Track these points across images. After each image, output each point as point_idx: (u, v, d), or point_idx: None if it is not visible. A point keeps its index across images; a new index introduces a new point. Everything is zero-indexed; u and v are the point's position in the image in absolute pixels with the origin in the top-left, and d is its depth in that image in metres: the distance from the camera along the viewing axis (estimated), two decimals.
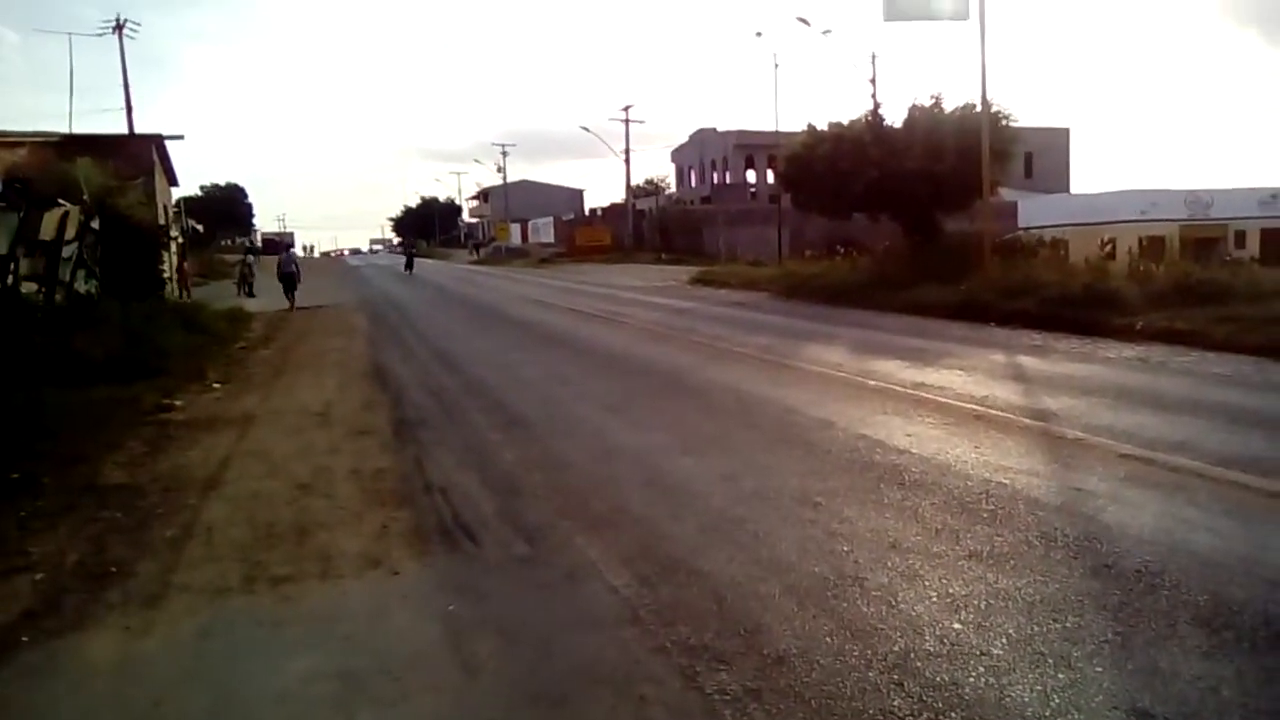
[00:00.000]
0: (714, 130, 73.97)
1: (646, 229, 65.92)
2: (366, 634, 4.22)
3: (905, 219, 25.27)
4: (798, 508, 5.70)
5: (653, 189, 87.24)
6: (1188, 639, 3.78)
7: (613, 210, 77.59)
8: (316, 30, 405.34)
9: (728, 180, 71.50)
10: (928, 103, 24.09)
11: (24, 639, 4.27)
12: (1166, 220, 34.07)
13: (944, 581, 4.46)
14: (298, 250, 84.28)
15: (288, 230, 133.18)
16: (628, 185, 67.24)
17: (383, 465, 7.23)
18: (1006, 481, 6.10)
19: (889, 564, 4.71)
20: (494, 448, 7.72)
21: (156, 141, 25.27)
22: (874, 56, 31.13)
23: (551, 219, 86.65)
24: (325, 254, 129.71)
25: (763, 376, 10.96)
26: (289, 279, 25.85)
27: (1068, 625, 3.94)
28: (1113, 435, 7.34)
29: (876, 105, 26.26)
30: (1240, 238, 35.83)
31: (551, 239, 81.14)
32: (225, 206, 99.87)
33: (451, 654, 3.97)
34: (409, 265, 49.16)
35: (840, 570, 4.65)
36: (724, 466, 6.76)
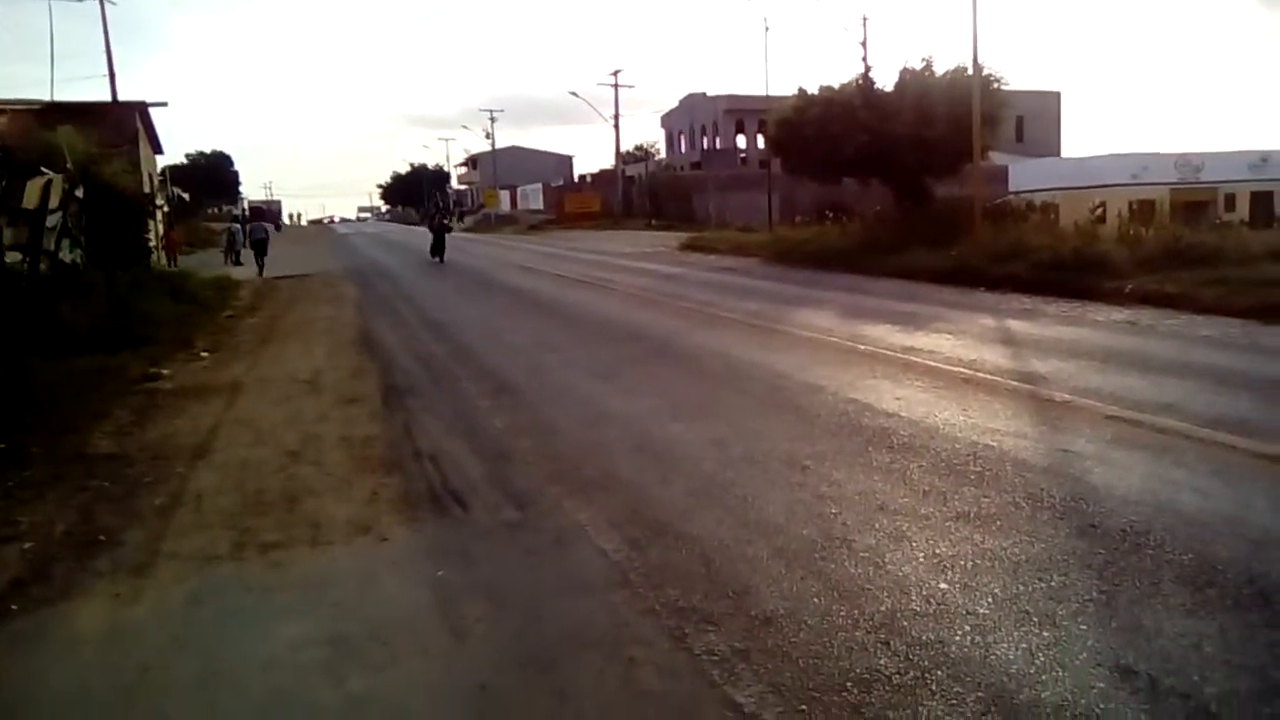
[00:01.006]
0: (704, 95, 73.36)
1: (636, 195, 65.59)
2: (356, 600, 4.23)
3: (896, 183, 25.19)
4: (786, 471, 5.72)
5: (642, 155, 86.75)
6: (1171, 597, 3.82)
7: (602, 177, 77.11)
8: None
9: (718, 145, 71.03)
10: (918, 66, 23.94)
11: (13, 607, 4.27)
12: (1157, 184, 33.96)
13: (931, 542, 4.48)
14: (285, 219, 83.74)
15: (275, 198, 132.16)
16: (617, 151, 66.86)
17: (372, 432, 7.22)
18: (994, 444, 6.13)
19: (876, 525, 4.73)
20: (483, 414, 7.71)
21: (140, 109, 24.94)
22: (865, 19, 31.08)
23: (540, 185, 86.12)
24: (314, 222, 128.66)
25: (752, 342, 10.95)
26: (260, 245, 26.34)
27: (1053, 584, 3.97)
28: (1100, 397, 7.36)
29: (867, 69, 26.07)
30: (1230, 201, 35.78)
31: (540, 206, 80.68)
32: (211, 175, 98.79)
33: (441, 619, 3.99)
34: (438, 248, 28.90)
35: (828, 532, 4.67)
36: (713, 431, 6.77)
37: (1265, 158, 38.02)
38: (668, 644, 3.63)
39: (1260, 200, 35.53)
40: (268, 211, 69.58)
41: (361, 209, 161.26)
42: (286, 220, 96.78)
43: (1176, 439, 6.14)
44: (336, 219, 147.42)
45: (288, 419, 7.79)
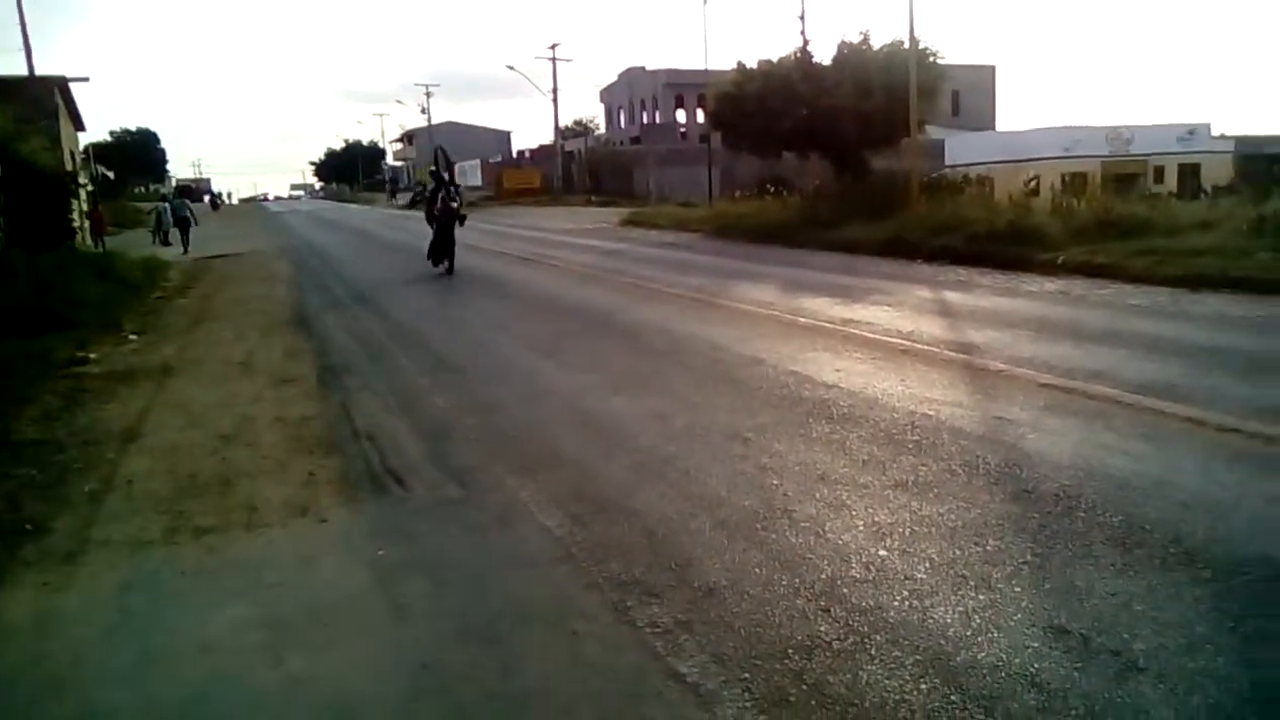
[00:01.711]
0: (643, 69, 72.97)
1: (576, 171, 65.17)
2: (294, 582, 4.16)
3: (835, 157, 25.37)
4: (728, 444, 5.75)
5: (582, 130, 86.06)
6: (1102, 558, 3.92)
7: (541, 152, 76.43)
8: None
9: (657, 120, 70.77)
10: (856, 40, 24.09)
11: None
12: (1089, 157, 34.74)
13: (870, 510, 4.55)
14: (217, 197, 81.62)
15: (204, 176, 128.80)
16: (556, 126, 66.22)
17: (308, 413, 7.09)
18: (931, 413, 6.22)
19: (817, 495, 4.78)
20: (423, 392, 7.62)
21: (60, 84, 24.03)
22: None
23: (478, 161, 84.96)
24: (246, 200, 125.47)
25: (693, 316, 10.97)
26: (183, 223, 26.40)
27: (988, 548, 4.05)
28: (1034, 366, 7.52)
29: (805, 43, 26.19)
30: (1159, 173, 36.77)
31: (479, 182, 79.66)
32: (138, 153, 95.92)
33: (381, 598, 3.94)
34: (442, 249, 17.06)
35: (769, 503, 4.71)
36: (655, 405, 6.77)
37: (1192, 131, 39.10)
38: (610, 617, 3.63)
39: (1187, 172, 36.60)
40: (196, 189, 67.75)
41: (294, 186, 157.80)
42: (224, 200, 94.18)
43: (1107, 405, 6.30)
44: (269, 197, 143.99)
45: (221, 401, 7.62)
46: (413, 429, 6.50)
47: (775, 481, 5.02)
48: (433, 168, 18.44)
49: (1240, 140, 42.64)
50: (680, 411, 6.57)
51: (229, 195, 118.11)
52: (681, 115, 71.38)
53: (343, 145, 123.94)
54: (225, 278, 18.55)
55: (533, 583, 3.98)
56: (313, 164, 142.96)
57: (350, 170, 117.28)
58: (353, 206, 67.35)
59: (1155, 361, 7.62)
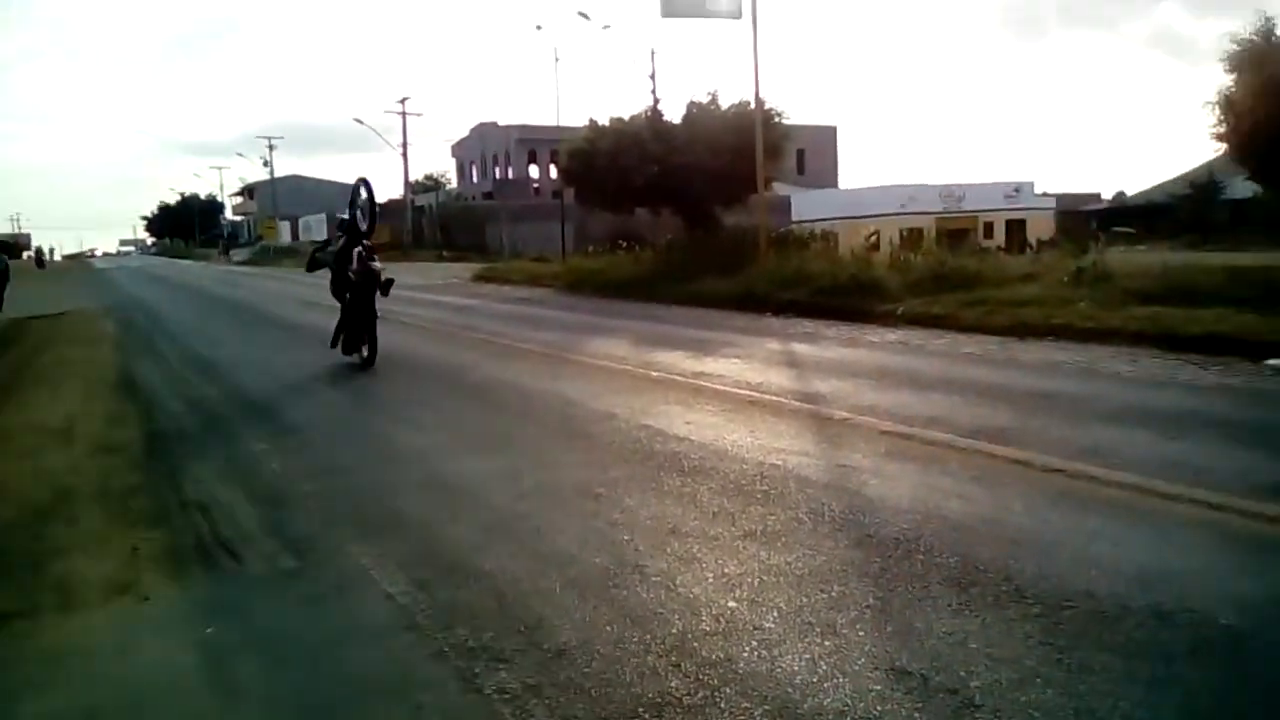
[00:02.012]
0: (495, 124, 73.22)
1: (427, 226, 64.44)
2: (113, 667, 3.84)
3: (686, 213, 26.01)
4: (579, 500, 5.69)
5: (433, 184, 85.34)
6: (940, 599, 4.04)
7: (390, 207, 75.10)
8: (57, 10, 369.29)
9: (510, 175, 71.02)
10: (705, 100, 24.88)
11: None
12: (924, 213, 36.76)
13: (720, 562, 4.57)
14: (37, 254, 76.57)
15: (23, 231, 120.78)
16: (406, 181, 65.43)
17: (133, 483, 6.62)
18: (779, 462, 6.35)
19: (668, 549, 4.77)
20: (260, 458, 7.25)
21: None
22: (653, 53, 31.88)
23: (324, 215, 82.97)
24: (70, 257, 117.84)
25: (546, 372, 10.92)
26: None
27: (833, 595, 4.12)
28: (875, 414, 7.80)
29: (656, 101, 26.90)
30: (989, 228, 39.31)
31: (325, 236, 77.70)
32: None
33: (210, 679, 3.67)
34: (358, 326, 11.87)
35: (621, 559, 4.67)
36: (506, 463, 6.66)
37: (1018, 188, 42.13)
38: (457, 686, 3.49)
39: (1014, 227, 39.29)
40: (14, 245, 63.42)
41: (124, 242, 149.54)
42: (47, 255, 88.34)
43: (943, 449, 6.58)
44: (97, 253, 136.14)
45: (35, 473, 7.03)
46: (248, 497, 6.15)
47: (627, 537, 4.99)
48: (343, 217, 13.98)
49: (1061, 198, 46.47)
50: (532, 469, 6.48)
51: (51, 251, 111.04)
52: (535, 171, 71.85)
53: (178, 199, 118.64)
54: (44, 339, 17.29)
55: (374, 654, 3.80)
56: (145, 218, 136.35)
57: (186, 225, 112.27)
58: (185, 262, 64.42)
59: (987, 407, 8.04)
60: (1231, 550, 4.63)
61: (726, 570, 4.46)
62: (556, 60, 56.56)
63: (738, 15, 20.13)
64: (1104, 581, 4.13)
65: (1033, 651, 3.53)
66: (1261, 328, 10.65)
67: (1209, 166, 40.80)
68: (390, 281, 12.24)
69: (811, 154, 62.14)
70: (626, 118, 26.16)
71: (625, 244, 29.18)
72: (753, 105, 21.44)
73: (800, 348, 12.34)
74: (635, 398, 8.92)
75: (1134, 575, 4.20)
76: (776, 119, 23.55)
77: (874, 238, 26.16)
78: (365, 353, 11.78)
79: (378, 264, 12.03)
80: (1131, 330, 11.55)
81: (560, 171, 30.05)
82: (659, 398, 8.90)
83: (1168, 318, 11.79)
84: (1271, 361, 9.64)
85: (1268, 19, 15.66)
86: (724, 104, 24.70)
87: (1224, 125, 16.35)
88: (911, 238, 25.58)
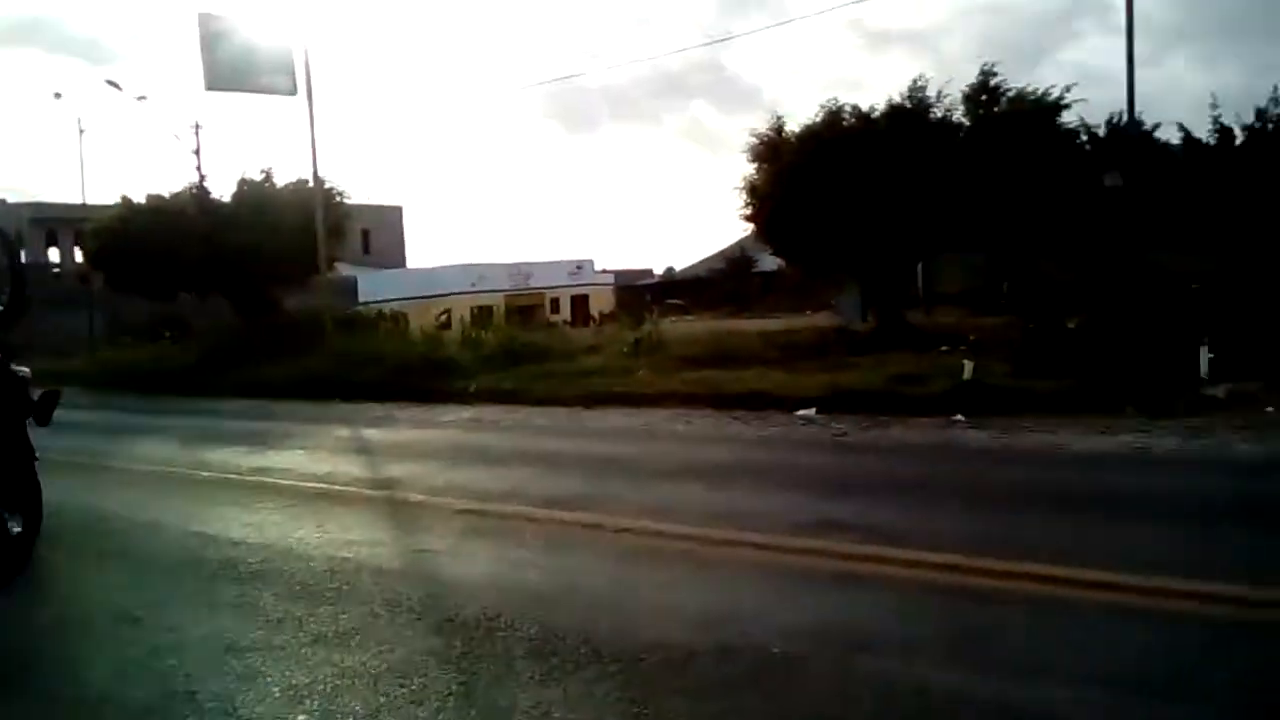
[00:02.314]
0: (3, 202, 63.59)
1: None
2: None
3: (238, 296, 24.36)
4: (113, 628, 4.87)
5: None
6: (523, 672, 3.97)
7: None
8: None
9: (24, 260, 61.91)
10: (258, 177, 23.66)
11: None
12: (494, 291, 37.99)
13: (287, 674, 4.11)
14: None
15: None
16: None
17: None
18: (351, 555, 5.96)
19: (225, 669, 4.21)
20: None
21: None
22: (198, 127, 29.52)
23: None
24: None
25: (78, 484, 9.30)
26: None
27: (414, 688, 3.88)
28: (450, 494, 7.69)
29: (202, 177, 25.08)
30: (555, 303, 41.60)
31: None
32: None
33: None
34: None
35: (167, 689, 4.03)
36: (16, 599, 5.56)
37: (580, 265, 45.20)
38: None
39: (579, 302, 41.99)
40: None
41: None
42: None
43: (519, 522, 6.63)
44: None
45: None
46: None
47: (173, 662, 4.33)
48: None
49: (619, 274, 50.57)
50: (53, 601, 5.50)
51: None
52: (55, 254, 63.29)
53: None
54: None
55: None
56: None
57: None
58: None
59: (560, 476, 8.30)
60: (780, 585, 5.11)
61: (294, 681, 4.02)
62: (81, 132, 50.54)
63: (292, 91, 19.52)
64: (674, 629, 4.34)
65: (612, 709, 3.58)
66: (790, 384, 12.26)
67: (741, 244, 46.10)
68: (53, 395, 7.27)
69: (377, 233, 61.50)
70: (168, 194, 24.09)
71: (168, 333, 26.56)
72: (311, 183, 20.77)
73: (371, 432, 11.93)
74: (184, 503, 7.99)
75: (700, 619, 4.48)
76: (338, 198, 23.08)
77: (445, 316, 26.40)
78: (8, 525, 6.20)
79: (25, 370, 6.97)
80: (686, 392, 12.72)
81: (86, 254, 26.78)
82: (212, 500, 8.04)
83: (715, 379, 13.19)
84: (801, 412, 11.09)
85: (779, 116, 18.52)
86: (281, 182, 23.70)
87: (750, 208, 18.90)
88: (482, 315, 26.23)
